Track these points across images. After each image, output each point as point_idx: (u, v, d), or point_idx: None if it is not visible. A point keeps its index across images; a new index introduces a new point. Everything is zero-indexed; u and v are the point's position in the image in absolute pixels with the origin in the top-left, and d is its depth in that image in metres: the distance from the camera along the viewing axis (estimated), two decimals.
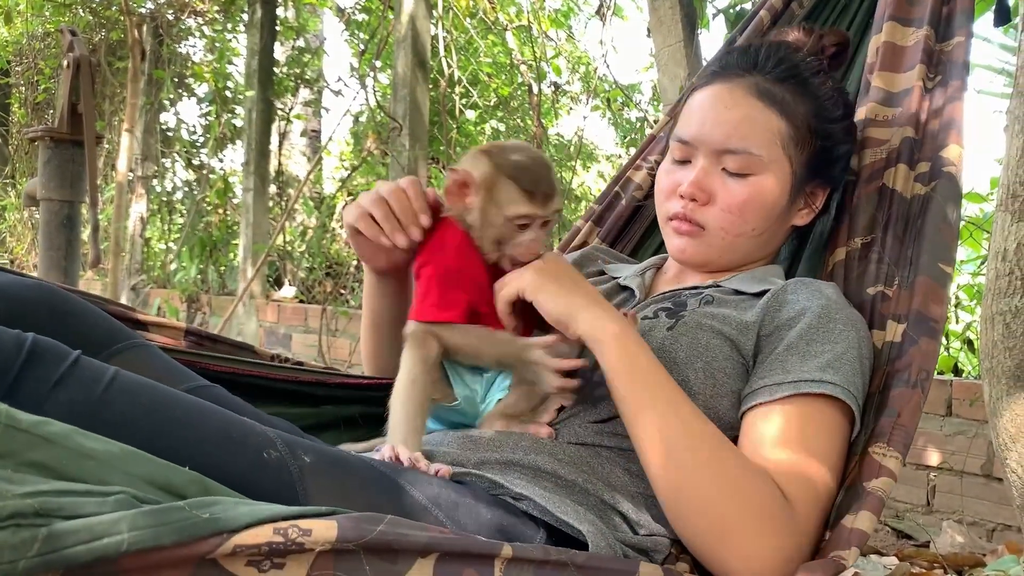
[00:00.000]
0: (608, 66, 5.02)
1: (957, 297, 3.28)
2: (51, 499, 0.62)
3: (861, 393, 1.05)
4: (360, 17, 6.46)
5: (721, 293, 1.20)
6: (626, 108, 6.24)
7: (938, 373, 3.14)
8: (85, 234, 4.12)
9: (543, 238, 1.09)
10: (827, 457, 1.01)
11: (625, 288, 1.31)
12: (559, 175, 5.78)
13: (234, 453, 0.86)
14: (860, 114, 1.37)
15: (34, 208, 5.21)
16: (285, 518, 0.70)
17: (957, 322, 3.30)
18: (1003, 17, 1.53)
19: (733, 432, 1.06)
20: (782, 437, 1.00)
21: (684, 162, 1.23)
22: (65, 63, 3.60)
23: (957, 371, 3.12)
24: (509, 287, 1.08)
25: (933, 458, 2.48)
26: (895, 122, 1.33)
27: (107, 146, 7.43)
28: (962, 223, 2.97)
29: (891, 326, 1.16)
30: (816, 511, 0.99)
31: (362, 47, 5.81)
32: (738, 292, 1.19)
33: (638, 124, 6.03)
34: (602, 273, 1.40)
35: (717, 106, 1.20)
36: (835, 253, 1.29)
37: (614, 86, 5.70)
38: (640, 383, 1.00)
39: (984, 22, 3.13)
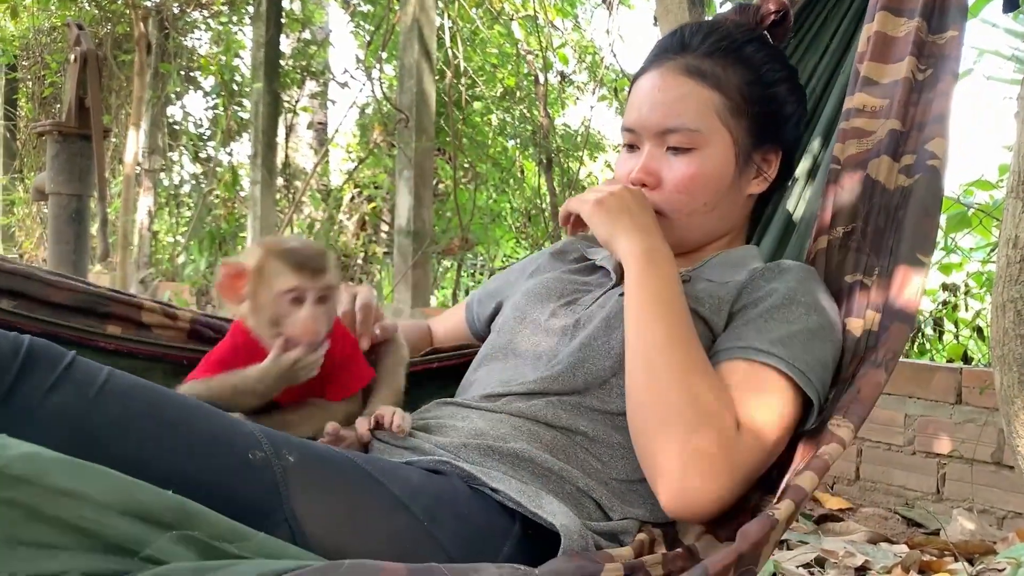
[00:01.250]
0: (615, 55, 5.00)
1: (967, 285, 3.27)
2: None
3: (815, 372, 1.07)
4: (365, 8, 6.45)
5: (695, 276, 1.24)
6: None
7: (948, 361, 3.14)
8: (93, 228, 4.13)
9: (322, 314, 1.10)
10: (759, 413, 1.04)
11: (600, 268, 1.35)
12: (566, 166, 5.77)
13: (221, 455, 0.86)
14: (848, 103, 1.37)
15: (42, 202, 5.23)
16: None
17: (967, 310, 3.29)
18: (1012, 3, 1.52)
19: None
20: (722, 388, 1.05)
21: (634, 150, 1.28)
22: (72, 57, 3.61)
23: (967, 359, 3.12)
24: (570, 203, 1.24)
25: (943, 446, 2.48)
26: (882, 113, 1.33)
27: (114, 140, 7.45)
28: (971, 211, 2.97)
29: (869, 315, 1.17)
30: (746, 466, 1.02)
31: (368, 38, 5.81)
32: (711, 281, 1.23)
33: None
34: (583, 258, 1.43)
35: (652, 91, 1.24)
36: (818, 241, 1.30)
37: (621, 75, 5.69)
38: (647, 298, 1.09)
39: (994, 8, 3.12)
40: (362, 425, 1.10)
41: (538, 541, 0.96)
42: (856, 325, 1.17)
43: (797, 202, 1.50)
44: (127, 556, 0.69)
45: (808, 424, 1.08)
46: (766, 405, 1.05)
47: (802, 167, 1.49)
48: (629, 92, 1.33)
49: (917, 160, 1.25)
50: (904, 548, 2.17)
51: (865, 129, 1.32)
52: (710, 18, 1.44)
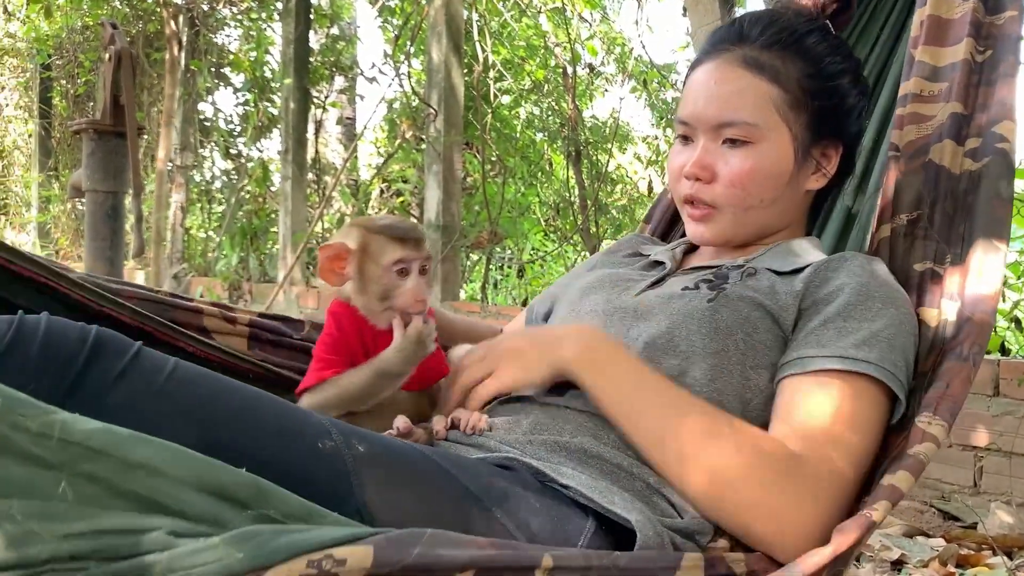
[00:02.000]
0: (644, 46, 4.97)
1: (1004, 276, 3.22)
2: (87, 541, 0.64)
3: (901, 370, 1.04)
4: (392, 3, 6.46)
5: (760, 269, 1.20)
6: (662, 88, 6.19)
7: (985, 352, 3.09)
8: (128, 224, 4.18)
9: (424, 285, 1.15)
10: (855, 429, 1.00)
11: (658, 263, 1.33)
12: (595, 158, 5.75)
13: (289, 444, 0.86)
14: (904, 90, 1.35)
15: (78, 199, 5.31)
16: (323, 547, 0.69)
17: (1004, 300, 3.24)
18: None
19: (770, 407, 1.07)
20: (810, 409, 1.01)
21: (688, 142, 1.25)
22: (107, 56, 3.65)
23: (1004, 350, 3.07)
24: (486, 387, 1.12)
25: (981, 439, 2.45)
26: (941, 97, 1.30)
27: (146, 137, 7.54)
28: None
29: (946, 305, 1.15)
30: (840, 481, 0.98)
31: (395, 33, 5.82)
32: (775, 272, 1.19)
33: (674, 105, 5.98)
34: (638, 254, 1.42)
35: (708, 83, 1.22)
36: (880, 230, 1.27)
37: (650, 67, 5.66)
38: (618, 398, 1.04)
39: None
40: (439, 423, 1.10)
41: (612, 537, 0.94)
42: (931, 315, 1.14)
43: (856, 193, 1.48)
44: (208, 529, 0.70)
45: (892, 420, 1.05)
46: (858, 412, 1.01)
47: (860, 157, 1.46)
48: (684, 83, 1.31)
49: (984, 143, 1.23)
50: (941, 542, 2.16)
51: (923, 114, 1.30)
52: (770, 7, 1.38)
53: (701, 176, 1.21)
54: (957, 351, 1.07)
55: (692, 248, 1.36)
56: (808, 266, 1.17)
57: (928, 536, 2.24)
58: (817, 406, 1.01)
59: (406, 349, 1.11)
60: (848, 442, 0.99)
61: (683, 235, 1.57)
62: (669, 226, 1.62)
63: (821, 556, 0.85)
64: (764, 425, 1.06)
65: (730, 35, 1.25)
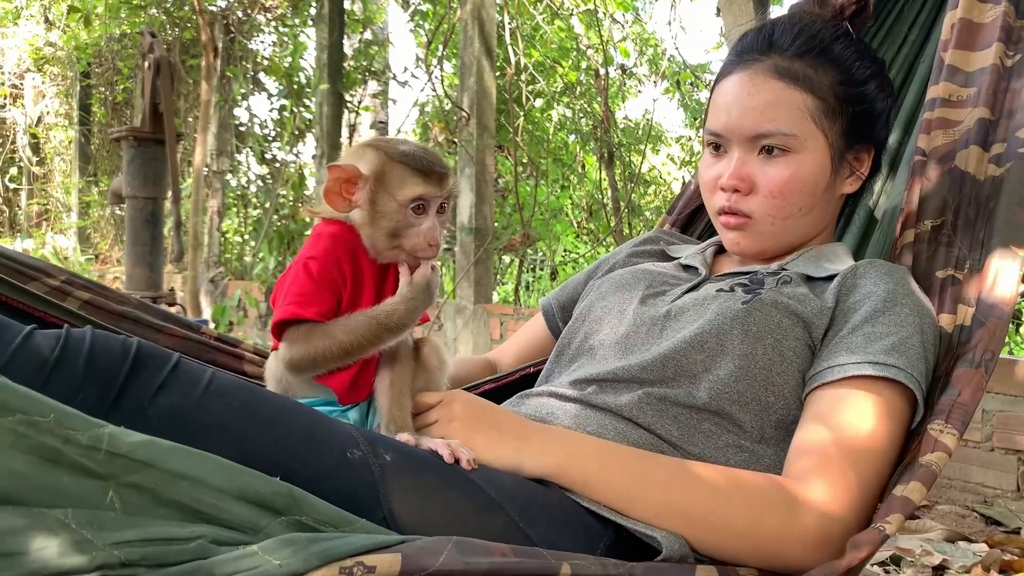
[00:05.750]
0: (677, 47, 4.95)
1: None
2: (136, 548, 0.68)
3: (924, 378, 1.05)
4: (425, 7, 6.50)
5: (795, 275, 1.20)
6: (696, 89, 6.15)
7: (998, 357, 3.04)
8: (166, 228, 4.25)
9: (440, 226, 1.03)
10: (882, 440, 1.01)
11: (688, 267, 1.33)
12: (628, 159, 5.74)
13: (319, 453, 0.88)
14: (932, 93, 1.33)
15: (117, 205, 5.39)
16: (354, 553, 0.72)
17: None
18: None
19: (791, 411, 1.08)
20: (841, 419, 1.01)
21: (720, 152, 1.24)
22: (146, 64, 3.72)
23: None
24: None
25: (1023, 443, 2.41)
26: (969, 102, 1.29)
27: (182, 143, 7.65)
28: None
29: (961, 310, 1.14)
30: (865, 491, 0.99)
31: (427, 37, 5.85)
32: (808, 277, 1.20)
33: (708, 105, 5.94)
34: (663, 254, 1.42)
35: (741, 95, 1.20)
36: (904, 235, 1.27)
37: (683, 67, 5.63)
38: (609, 488, 0.99)
39: None
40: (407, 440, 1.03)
41: (633, 548, 0.95)
42: (947, 320, 1.14)
43: (878, 196, 1.47)
44: (245, 536, 0.74)
45: (912, 426, 1.05)
46: (886, 418, 1.02)
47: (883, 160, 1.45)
48: (711, 94, 1.30)
49: (1008, 148, 1.21)
50: (983, 547, 2.12)
51: (951, 119, 1.29)
52: (788, 11, 1.35)
53: (740, 188, 1.20)
54: (969, 356, 1.07)
55: (722, 248, 1.36)
56: (838, 274, 1.17)
57: (970, 541, 2.21)
58: (849, 415, 1.01)
59: (413, 299, 1.00)
60: (876, 449, 1.00)
61: (706, 228, 1.56)
62: (691, 218, 1.61)
63: (833, 568, 0.86)
64: (781, 427, 1.07)
65: (758, 44, 1.23)
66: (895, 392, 1.03)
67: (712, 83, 1.32)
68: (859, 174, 1.26)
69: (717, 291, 1.17)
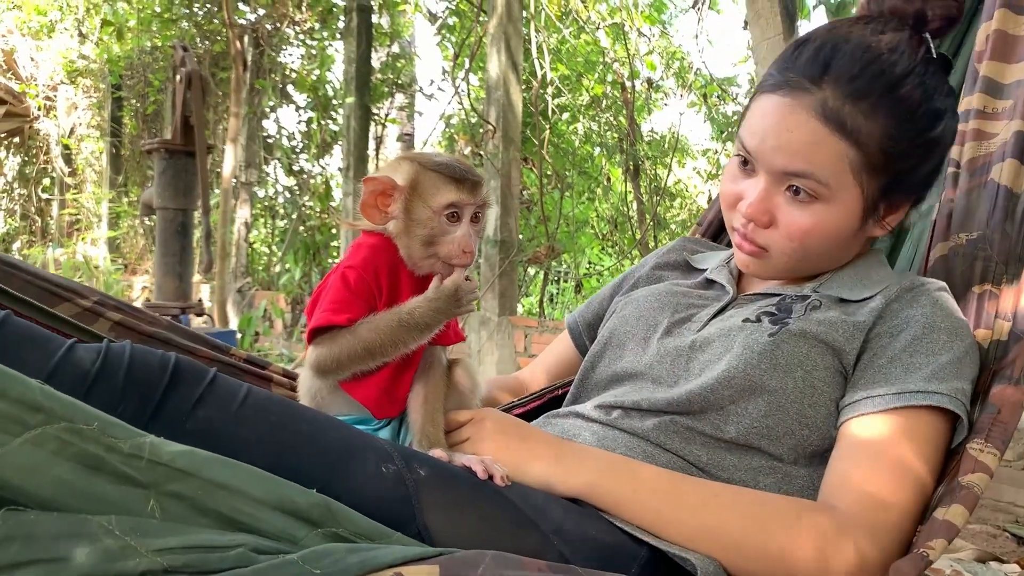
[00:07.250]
0: (703, 60, 4.96)
1: None
2: (178, 556, 0.68)
3: (966, 398, 1.03)
4: (451, 20, 6.54)
5: (826, 298, 1.15)
6: (722, 102, 6.14)
7: None
8: (195, 239, 4.30)
9: (475, 234, 1.04)
10: (921, 466, 0.99)
11: (712, 282, 1.30)
12: (653, 171, 5.73)
13: (354, 467, 0.89)
14: (966, 104, 1.31)
15: (148, 216, 5.46)
16: (392, 565, 0.72)
17: None
18: None
19: (826, 440, 1.06)
20: (878, 450, 0.99)
21: (748, 168, 1.15)
22: (178, 78, 3.77)
23: None
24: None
25: None
26: (1004, 115, 1.27)
27: (211, 154, 7.73)
28: None
29: (999, 324, 1.12)
30: (904, 518, 0.97)
31: (454, 51, 5.89)
32: (842, 300, 1.15)
33: (734, 118, 5.93)
34: (687, 265, 1.39)
35: (779, 126, 1.08)
36: (937, 248, 1.25)
37: (710, 80, 5.63)
38: (642, 510, 0.98)
39: None
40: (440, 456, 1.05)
41: (668, 566, 0.95)
42: (983, 335, 1.12)
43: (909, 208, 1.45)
44: (282, 547, 0.75)
45: (952, 444, 1.04)
46: (926, 444, 1.00)
47: None
48: (750, 101, 1.20)
49: None
50: (1015, 568, 2.09)
51: (987, 131, 1.27)
52: (862, 43, 1.10)
53: (758, 220, 1.13)
54: (1007, 372, 1.06)
55: None
56: (877, 294, 1.13)
57: (1002, 561, 2.18)
58: (887, 442, 1.00)
59: (438, 301, 1.00)
60: (916, 476, 0.98)
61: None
62: (720, 228, 1.59)
63: None
64: (816, 455, 1.05)
65: (812, 70, 1.08)
66: (935, 416, 1.01)
67: (753, 91, 1.22)
68: (888, 224, 1.17)
69: (743, 321, 1.14)
